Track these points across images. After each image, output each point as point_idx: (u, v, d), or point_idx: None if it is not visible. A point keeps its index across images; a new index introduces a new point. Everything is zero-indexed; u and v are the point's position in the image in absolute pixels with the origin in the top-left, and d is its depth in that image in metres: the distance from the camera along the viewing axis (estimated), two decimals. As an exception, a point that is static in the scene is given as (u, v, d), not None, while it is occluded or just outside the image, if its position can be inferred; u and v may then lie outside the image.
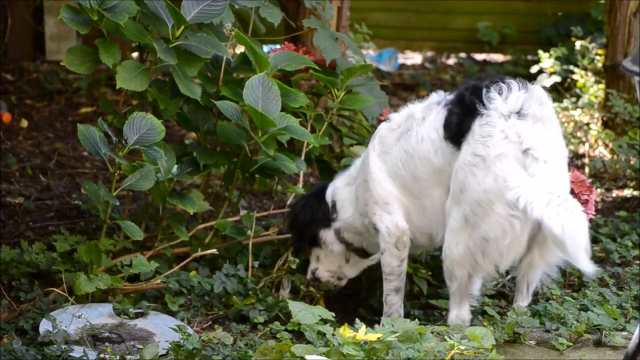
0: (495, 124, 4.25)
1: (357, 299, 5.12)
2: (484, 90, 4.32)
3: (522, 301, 4.51)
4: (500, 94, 4.30)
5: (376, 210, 4.72)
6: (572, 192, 4.65)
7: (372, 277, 5.15)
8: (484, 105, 4.29)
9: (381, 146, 4.73)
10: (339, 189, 4.98)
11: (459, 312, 4.45)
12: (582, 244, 3.99)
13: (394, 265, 4.74)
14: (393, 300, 4.77)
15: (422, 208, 4.64)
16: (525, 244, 4.30)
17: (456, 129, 4.39)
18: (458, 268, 4.38)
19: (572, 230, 3.97)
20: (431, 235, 4.68)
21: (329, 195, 4.99)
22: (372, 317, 4.88)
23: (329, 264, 5.03)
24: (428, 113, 4.57)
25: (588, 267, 4.02)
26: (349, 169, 5.02)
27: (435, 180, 4.51)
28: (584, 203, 4.71)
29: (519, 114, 4.27)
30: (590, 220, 4.83)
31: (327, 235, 4.98)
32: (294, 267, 5.01)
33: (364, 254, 5.01)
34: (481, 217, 4.24)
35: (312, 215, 4.97)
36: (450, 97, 4.52)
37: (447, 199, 4.43)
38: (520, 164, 4.20)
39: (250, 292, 4.81)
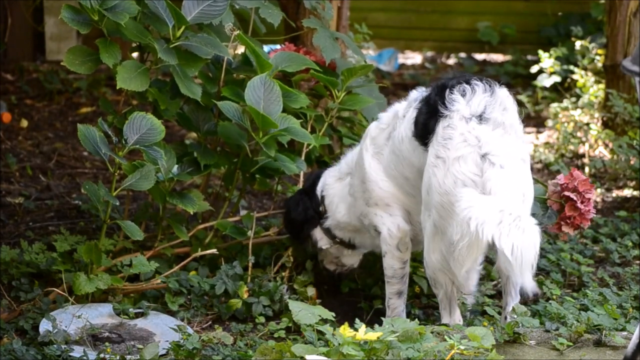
0: (455, 126, 4.23)
1: (357, 299, 5.12)
2: (447, 92, 4.29)
3: (512, 302, 4.49)
4: (463, 95, 4.27)
5: (377, 211, 4.72)
6: (576, 190, 4.65)
7: (374, 277, 5.16)
8: (446, 107, 4.27)
9: (374, 147, 4.72)
10: (329, 185, 4.98)
11: (450, 320, 4.43)
12: (529, 264, 3.93)
13: (396, 267, 4.73)
14: (395, 304, 4.77)
15: (419, 205, 4.64)
16: (485, 247, 4.20)
17: (422, 129, 4.36)
18: (440, 275, 4.36)
19: (521, 250, 3.90)
20: None
21: (318, 190, 5.00)
22: (373, 314, 4.88)
23: (328, 256, 5.05)
24: (408, 111, 4.56)
25: (530, 284, 3.97)
26: (340, 162, 5.02)
27: (420, 178, 4.50)
28: (588, 201, 4.71)
29: (480, 117, 4.22)
30: (591, 220, 4.83)
31: (316, 233, 5.01)
32: (288, 265, 5.01)
33: (353, 247, 5.03)
34: (446, 220, 4.21)
35: (305, 214, 4.99)
36: (425, 93, 4.48)
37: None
38: (478, 168, 4.16)
39: (254, 289, 4.81)
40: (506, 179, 4.14)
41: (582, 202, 4.66)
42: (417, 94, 4.56)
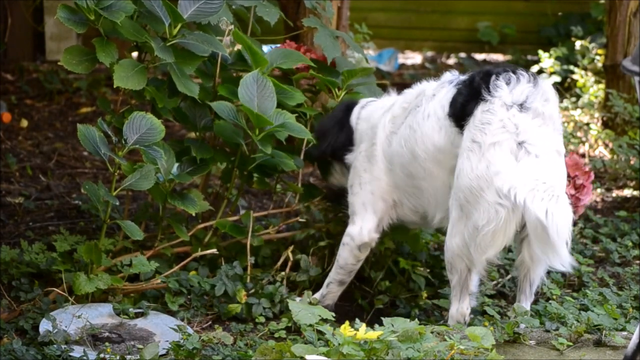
0: (495, 112, 4.27)
1: (357, 299, 5.12)
2: (493, 77, 4.33)
3: (525, 301, 4.48)
4: (508, 83, 4.31)
5: (366, 202, 4.74)
6: (568, 175, 4.64)
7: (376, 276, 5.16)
8: (489, 91, 4.30)
9: (392, 125, 4.72)
10: (362, 119, 4.92)
11: (459, 306, 4.44)
12: (565, 233, 4.03)
13: (349, 262, 4.80)
14: (333, 289, 4.86)
15: (418, 189, 4.63)
16: (512, 236, 4.28)
17: (460, 109, 4.38)
18: (458, 260, 4.37)
19: (556, 217, 4.00)
20: (424, 214, 4.69)
21: (353, 121, 4.96)
22: (373, 314, 4.88)
23: None
24: (439, 91, 4.57)
25: (567, 259, 4.07)
26: (381, 99, 4.96)
27: (436, 160, 4.50)
28: (580, 187, 4.70)
29: (521, 106, 4.27)
30: (586, 206, 4.80)
31: (335, 166, 5.04)
32: (301, 264, 5.00)
33: None
34: (473, 205, 4.24)
35: (336, 142, 4.96)
36: (463, 77, 4.51)
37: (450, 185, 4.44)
38: (513, 155, 4.21)
39: (251, 290, 4.81)
40: (540, 168, 4.18)
41: (574, 188, 4.64)
42: (452, 77, 4.58)
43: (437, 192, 4.52)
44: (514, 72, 4.34)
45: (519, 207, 4.10)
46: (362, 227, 4.74)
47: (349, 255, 4.78)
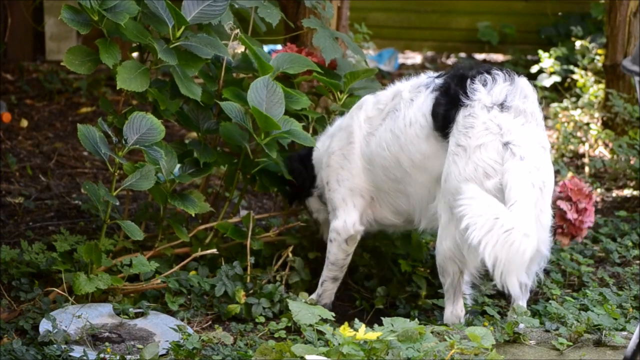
0: (477, 115, 4.27)
1: (357, 299, 5.12)
2: (469, 82, 4.32)
3: (521, 298, 4.49)
4: (484, 85, 4.31)
5: (345, 196, 4.74)
6: (570, 199, 4.64)
7: (376, 277, 5.16)
8: (467, 96, 4.30)
9: (368, 126, 4.73)
10: (317, 149, 5.01)
11: (453, 309, 4.46)
12: (512, 275, 4.00)
13: (339, 257, 4.82)
14: (328, 287, 4.89)
15: (403, 194, 4.63)
16: None
17: (443, 120, 4.39)
18: (449, 264, 4.38)
19: (504, 263, 3.96)
20: (409, 218, 4.70)
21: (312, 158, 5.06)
22: (373, 314, 4.88)
23: (325, 227, 5.06)
24: (416, 95, 4.55)
25: (513, 291, 4.08)
26: (328, 130, 5.02)
27: (422, 166, 4.50)
28: (583, 211, 4.69)
29: (501, 106, 4.27)
30: (589, 228, 4.80)
31: (312, 203, 5.06)
32: (294, 265, 5.01)
33: None
34: None
35: (302, 185, 5.04)
36: (438, 81, 4.49)
37: (437, 192, 4.43)
38: (499, 156, 4.20)
39: (250, 290, 4.81)
40: (525, 172, 4.16)
41: (576, 212, 4.64)
42: (427, 80, 4.55)
43: (423, 198, 4.52)
44: (489, 73, 4.34)
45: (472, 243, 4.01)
46: (346, 221, 4.76)
47: (338, 250, 4.80)
